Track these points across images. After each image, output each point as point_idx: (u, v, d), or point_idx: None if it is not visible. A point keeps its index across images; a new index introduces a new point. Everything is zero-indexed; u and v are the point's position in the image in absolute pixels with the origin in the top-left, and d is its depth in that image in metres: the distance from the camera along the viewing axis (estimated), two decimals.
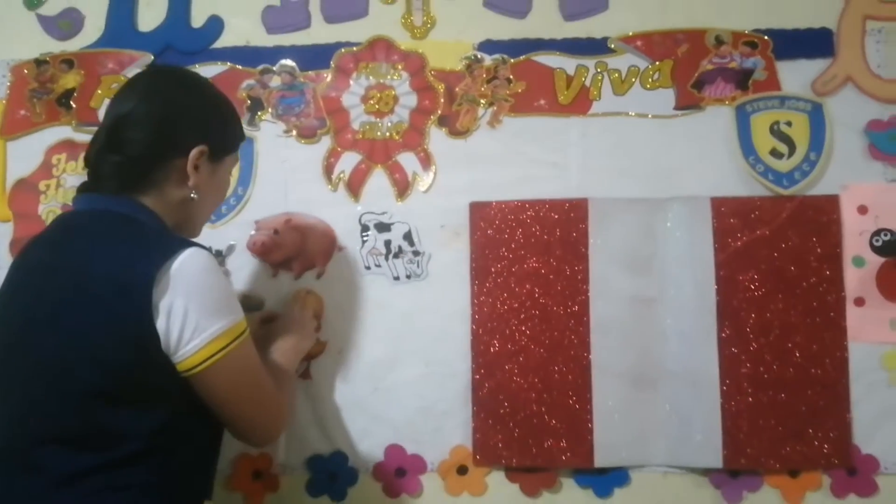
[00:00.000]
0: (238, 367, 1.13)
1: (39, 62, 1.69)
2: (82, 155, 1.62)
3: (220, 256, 1.61)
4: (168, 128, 1.17)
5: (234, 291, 1.18)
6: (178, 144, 1.17)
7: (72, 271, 1.08)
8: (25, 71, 1.69)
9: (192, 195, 1.20)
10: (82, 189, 1.20)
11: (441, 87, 1.64)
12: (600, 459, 1.53)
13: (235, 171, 1.62)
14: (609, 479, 1.55)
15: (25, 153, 1.67)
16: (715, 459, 1.51)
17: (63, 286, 1.07)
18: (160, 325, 1.05)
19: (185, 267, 1.07)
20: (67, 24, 1.71)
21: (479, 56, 1.64)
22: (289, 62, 1.66)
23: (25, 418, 1.07)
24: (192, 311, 1.06)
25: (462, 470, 1.56)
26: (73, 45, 1.71)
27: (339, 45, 1.66)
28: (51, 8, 1.72)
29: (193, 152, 1.17)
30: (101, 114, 1.65)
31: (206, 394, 1.12)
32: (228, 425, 1.19)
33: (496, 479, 1.56)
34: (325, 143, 1.64)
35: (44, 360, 1.06)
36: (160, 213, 1.17)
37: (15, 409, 1.08)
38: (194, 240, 1.17)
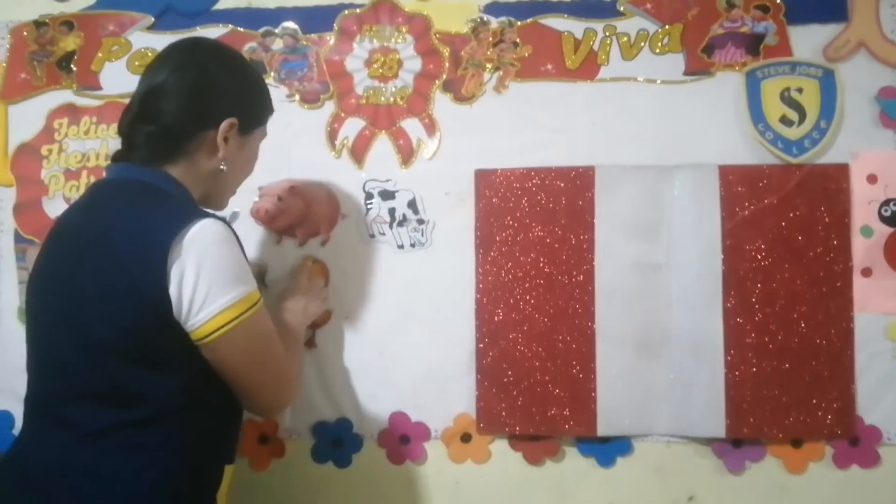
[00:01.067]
0: (249, 339, 1.14)
1: (39, 24, 1.66)
2: (84, 119, 1.65)
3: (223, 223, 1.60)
4: (200, 99, 1.19)
5: (246, 263, 1.17)
6: (210, 116, 1.19)
7: (98, 235, 1.11)
8: (25, 33, 1.67)
9: (221, 167, 1.22)
10: (116, 157, 1.22)
11: (446, 51, 1.61)
12: (603, 428, 1.53)
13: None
14: (612, 447, 1.55)
15: (27, 117, 1.66)
16: (718, 428, 1.51)
17: (88, 248, 1.11)
18: (173, 292, 1.07)
19: (199, 236, 1.09)
20: None
21: (485, 18, 1.61)
22: (291, 24, 1.63)
23: (55, 373, 1.13)
24: (203, 280, 1.08)
25: (466, 437, 1.57)
26: (73, 6, 1.68)
27: (342, 6, 1.63)
28: None
29: (224, 124, 1.20)
30: (102, 77, 1.66)
31: (218, 364, 1.13)
32: (240, 395, 1.19)
33: (500, 447, 1.57)
34: (329, 108, 1.62)
35: (68, 317, 1.10)
36: (189, 183, 1.20)
37: (46, 365, 1.15)
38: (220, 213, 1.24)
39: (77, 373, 1.10)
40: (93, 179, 1.62)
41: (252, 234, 1.60)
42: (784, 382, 1.51)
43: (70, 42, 1.66)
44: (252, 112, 1.27)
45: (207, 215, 1.13)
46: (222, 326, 1.09)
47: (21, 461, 1.12)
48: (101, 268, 1.09)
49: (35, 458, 1.10)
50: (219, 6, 1.65)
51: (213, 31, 1.63)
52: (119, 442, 1.08)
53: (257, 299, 1.15)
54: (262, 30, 1.64)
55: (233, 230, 1.16)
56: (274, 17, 1.64)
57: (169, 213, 1.11)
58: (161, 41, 1.60)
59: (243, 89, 1.26)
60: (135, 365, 1.09)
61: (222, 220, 1.14)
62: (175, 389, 1.11)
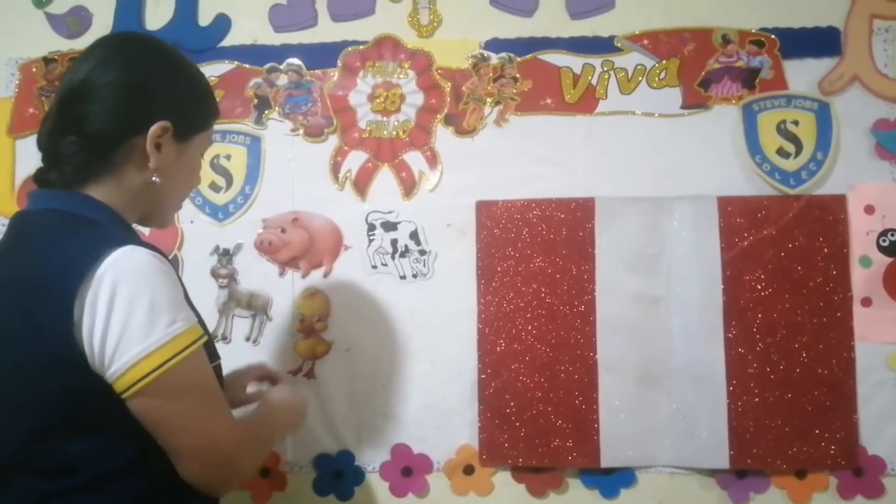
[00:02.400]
0: (174, 394, 0.95)
1: (48, 60, 1.70)
2: None
3: (227, 255, 1.62)
4: (126, 100, 1.02)
5: (180, 298, 0.98)
6: (138, 120, 1.02)
7: (11, 286, 0.97)
8: (34, 69, 1.70)
9: (153, 178, 1.05)
10: (36, 178, 1.06)
11: (447, 86, 1.64)
12: (607, 459, 1.53)
13: (241, 168, 1.64)
14: (615, 479, 1.55)
15: (34, 151, 1.64)
16: (721, 460, 1.51)
17: (4, 304, 0.96)
18: (85, 342, 0.91)
19: (111, 270, 0.92)
20: (76, 21, 1.71)
21: (485, 54, 1.64)
22: (296, 61, 1.66)
23: None
24: (115, 324, 0.91)
25: (468, 469, 1.56)
26: (82, 43, 1.71)
27: (345, 43, 1.66)
28: (59, 6, 1.72)
29: (153, 129, 1.02)
30: None
31: (142, 421, 0.95)
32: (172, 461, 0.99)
33: (502, 479, 1.57)
34: (332, 141, 1.65)
35: None
36: (119, 204, 1.03)
37: None
38: (173, 226, 1.18)
39: (6, 441, 0.97)
40: None
41: (255, 266, 1.62)
42: (787, 413, 1.51)
43: None
44: (189, 115, 1.09)
45: (128, 243, 0.95)
46: (140, 380, 0.91)
47: None
48: (11, 328, 0.94)
49: None
50: (224, 43, 1.69)
51: (218, 68, 1.67)
52: None
53: (188, 343, 0.95)
54: (267, 66, 1.67)
55: (164, 258, 0.99)
56: (279, 53, 1.67)
57: (80, 249, 0.94)
58: None
59: (178, 88, 1.08)
60: (60, 436, 0.95)
61: (150, 247, 0.98)
62: (111, 453, 0.96)
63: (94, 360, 0.91)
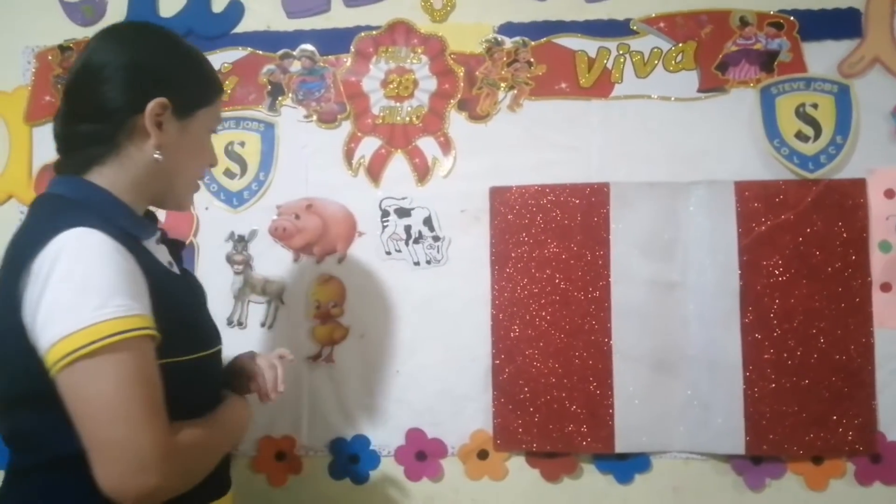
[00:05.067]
0: (90, 382, 0.89)
1: (63, 48, 1.70)
2: None
3: (242, 241, 1.62)
4: (123, 78, 1.03)
5: (123, 286, 0.92)
6: (137, 99, 1.02)
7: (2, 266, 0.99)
8: (50, 57, 1.70)
9: (156, 155, 1.04)
10: (55, 167, 1.09)
11: (461, 71, 1.63)
12: (621, 445, 1.53)
13: (256, 155, 1.64)
14: (630, 464, 1.54)
15: (51, 139, 1.67)
16: (737, 445, 1.50)
17: None
18: (26, 312, 0.92)
19: (53, 248, 0.91)
20: (90, 9, 1.72)
21: (499, 39, 1.63)
22: (309, 47, 1.66)
23: None
24: (46, 300, 0.90)
25: (482, 454, 1.57)
26: (97, 30, 1.69)
27: (358, 28, 1.66)
28: None
29: (151, 105, 1.02)
30: None
31: (66, 405, 0.90)
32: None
33: (517, 464, 1.57)
34: (346, 127, 1.64)
35: None
36: (123, 186, 1.04)
37: None
38: (187, 210, 1.18)
39: None
40: None
41: (270, 252, 1.62)
42: (803, 399, 1.50)
43: None
44: (189, 91, 1.09)
45: (87, 224, 0.93)
46: (61, 359, 0.88)
47: None
48: None
49: None
50: (238, 29, 1.68)
51: (232, 54, 1.67)
52: (38, 485, 0.98)
53: (116, 331, 0.89)
54: (280, 52, 1.66)
55: (120, 244, 0.94)
56: (292, 39, 1.67)
57: (43, 228, 0.94)
58: None
59: (174, 65, 1.08)
60: (22, 403, 0.96)
61: (117, 230, 0.96)
62: (69, 432, 0.90)
63: (31, 333, 0.91)
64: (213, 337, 1.12)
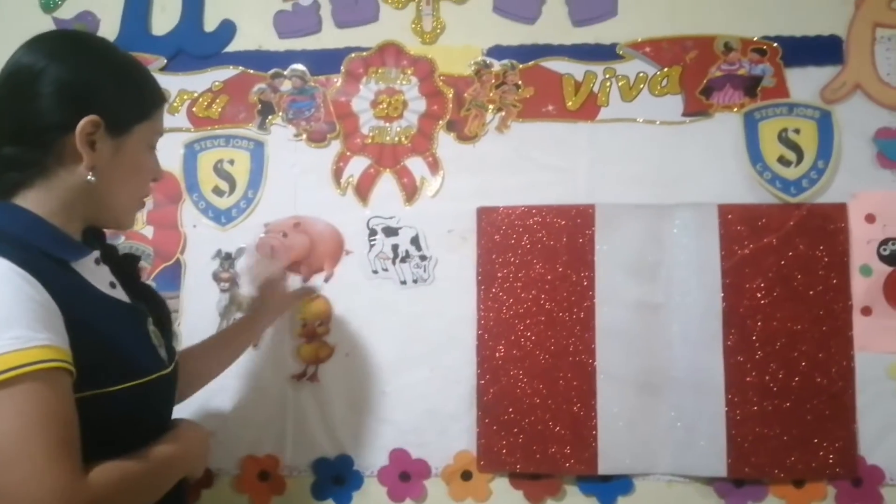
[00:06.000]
0: None
1: None
2: None
3: (229, 259, 1.63)
4: (51, 94, 0.95)
5: (18, 317, 0.85)
6: (66, 116, 0.95)
7: None
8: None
9: (89, 177, 0.97)
10: None
11: (450, 93, 1.64)
12: (604, 467, 1.53)
13: (245, 173, 1.65)
14: (613, 486, 1.54)
15: None
16: (719, 468, 1.51)
17: None
18: None
19: None
20: (83, 27, 1.73)
21: (487, 61, 1.65)
22: (299, 67, 1.68)
23: None
24: None
25: (466, 475, 1.56)
26: None
27: (349, 49, 1.68)
28: (67, 11, 1.74)
29: (81, 124, 0.95)
30: None
31: None
32: None
33: (500, 486, 1.57)
34: (335, 147, 1.66)
35: None
36: (51, 209, 0.98)
37: None
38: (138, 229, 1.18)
39: None
40: None
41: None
42: (785, 422, 1.50)
43: None
44: (122, 105, 1.01)
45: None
46: None
47: None
48: None
49: None
50: (229, 48, 1.70)
51: (223, 73, 1.68)
52: None
53: (14, 365, 0.82)
54: (271, 71, 1.68)
55: (27, 271, 0.88)
56: (283, 59, 1.68)
57: None
58: (173, 82, 1.67)
59: (106, 77, 1.00)
60: None
61: (34, 255, 0.91)
62: None
63: None
64: (150, 364, 1.03)
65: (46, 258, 0.93)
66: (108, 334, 0.97)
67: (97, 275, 1.04)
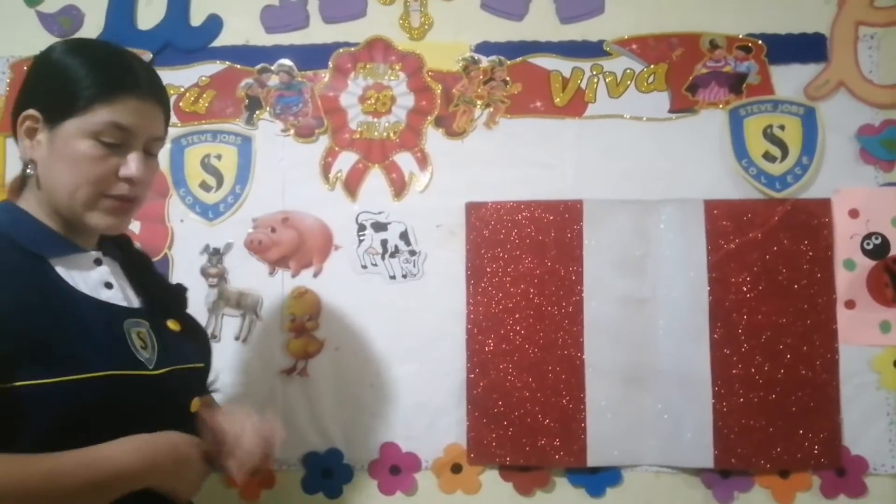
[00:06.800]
0: None
1: None
2: None
3: (217, 254, 1.62)
4: (15, 98, 1.05)
5: None
6: (15, 116, 1.04)
7: None
8: (25, 68, 1.69)
9: (27, 170, 1.03)
10: None
11: (438, 88, 1.65)
12: (593, 458, 1.54)
13: (232, 168, 1.64)
14: (601, 478, 1.56)
15: None
16: (706, 459, 1.53)
17: None
18: None
19: None
20: (67, 20, 1.72)
21: (475, 57, 1.65)
22: (287, 62, 1.67)
23: None
24: None
25: (456, 468, 1.57)
26: None
27: (337, 45, 1.68)
28: (51, 5, 1.72)
29: (20, 118, 1.03)
30: None
31: None
32: None
33: (490, 478, 1.58)
34: (323, 142, 1.66)
35: None
36: (35, 206, 1.04)
37: None
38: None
39: None
40: None
41: (245, 266, 1.62)
42: (771, 413, 1.53)
43: None
44: (51, 98, 1.02)
45: None
46: None
47: None
48: None
49: None
50: (216, 43, 1.69)
51: (210, 67, 1.68)
52: None
53: None
54: (258, 66, 1.67)
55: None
56: (270, 54, 1.68)
57: None
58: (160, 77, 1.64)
59: (42, 74, 1.05)
60: None
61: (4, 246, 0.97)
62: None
63: None
64: (110, 362, 0.99)
65: (18, 252, 0.98)
66: (58, 328, 0.96)
67: (86, 273, 1.06)
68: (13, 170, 1.65)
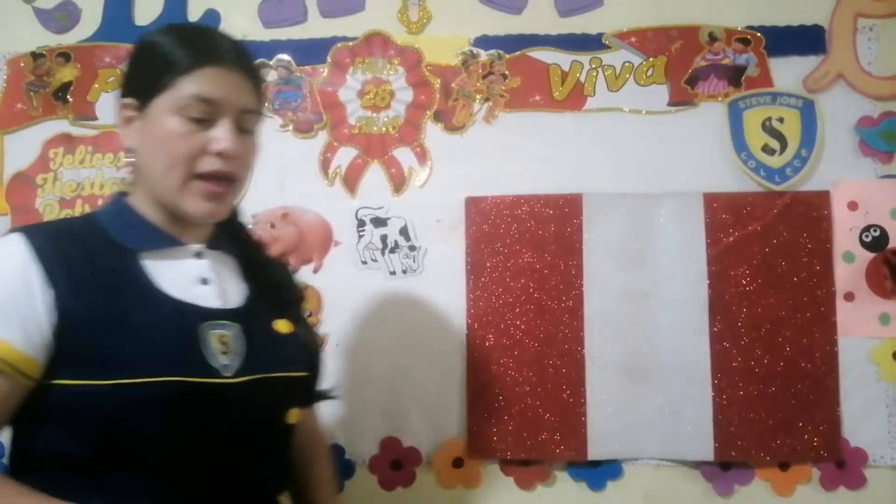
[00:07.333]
0: None
1: (36, 55, 1.69)
2: (79, 148, 1.67)
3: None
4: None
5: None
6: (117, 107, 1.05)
7: None
8: (22, 64, 1.69)
9: (127, 159, 1.05)
10: None
11: (437, 83, 1.65)
12: (594, 452, 1.55)
13: None
14: (602, 472, 1.57)
15: (23, 147, 1.68)
16: (706, 452, 1.53)
17: None
18: None
19: None
20: (64, 17, 1.71)
21: (474, 51, 1.65)
22: (285, 57, 1.67)
23: None
24: None
25: (457, 463, 1.58)
26: (70, 38, 1.71)
27: (335, 39, 1.67)
28: (47, 1, 1.72)
29: (118, 107, 1.03)
30: (98, 108, 1.68)
31: None
32: None
33: (491, 472, 1.58)
34: (322, 137, 1.65)
35: None
36: (142, 199, 1.03)
37: None
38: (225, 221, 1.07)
39: None
40: (87, 208, 1.64)
41: None
42: (770, 406, 1.53)
43: (67, 73, 1.68)
44: (140, 80, 1.02)
45: (32, 230, 0.96)
46: None
47: None
48: None
49: None
50: None
51: None
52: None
53: None
54: (256, 61, 1.66)
55: (36, 256, 0.92)
56: (268, 49, 1.67)
57: None
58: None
59: (132, 60, 1.05)
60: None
61: (27, 232, 0.95)
62: (25, 438, 0.95)
63: None
64: (180, 366, 0.94)
65: (107, 246, 0.98)
66: (115, 329, 0.93)
67: (180, 268, 1.02)
68: (12, 167, 1.67)
